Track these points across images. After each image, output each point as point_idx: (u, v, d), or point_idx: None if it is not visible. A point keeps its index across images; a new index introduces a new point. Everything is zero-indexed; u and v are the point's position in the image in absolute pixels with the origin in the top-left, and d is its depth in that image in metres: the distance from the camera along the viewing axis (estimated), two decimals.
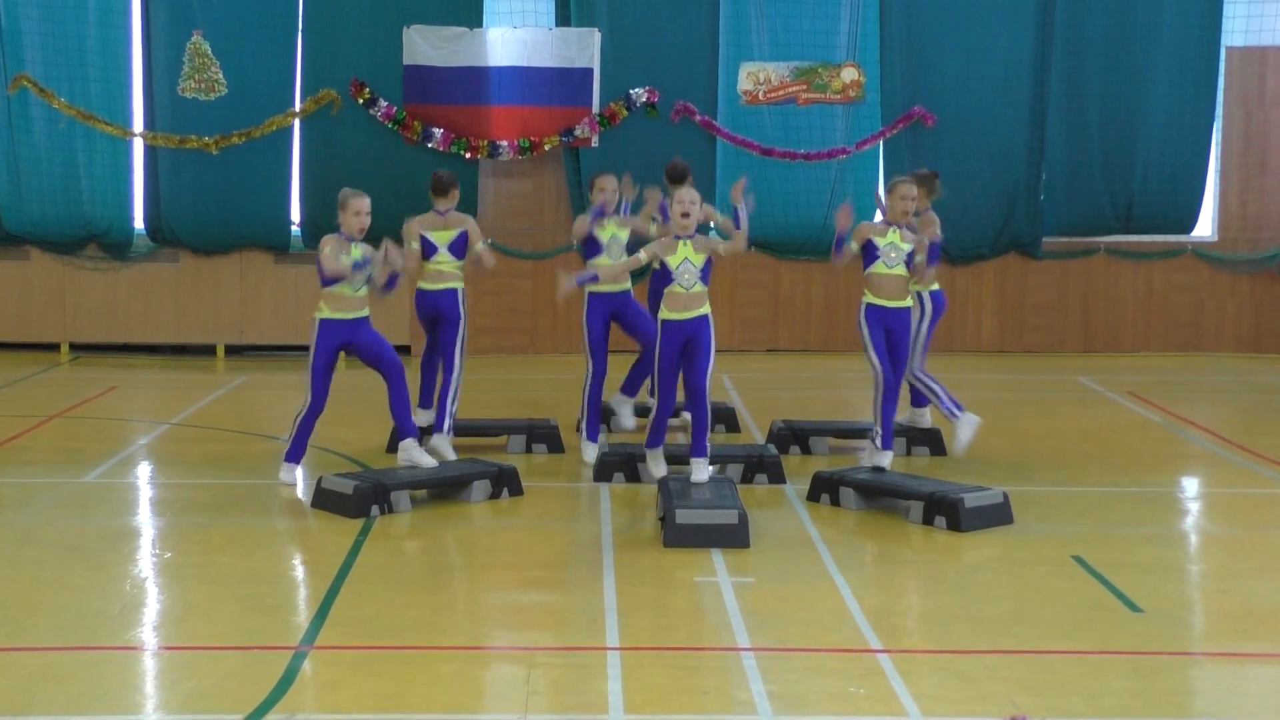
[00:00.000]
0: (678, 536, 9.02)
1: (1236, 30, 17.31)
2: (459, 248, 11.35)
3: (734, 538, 9.02)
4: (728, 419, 12.57)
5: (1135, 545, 9.23)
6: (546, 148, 16.86)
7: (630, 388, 12.29)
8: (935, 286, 11.74)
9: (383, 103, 16.73)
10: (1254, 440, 12.48)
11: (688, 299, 9.83)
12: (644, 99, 16.91)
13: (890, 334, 10.41)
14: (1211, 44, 17.20)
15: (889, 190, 10.52)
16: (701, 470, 9.84)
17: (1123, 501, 10.53)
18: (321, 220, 16.83)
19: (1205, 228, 17.64)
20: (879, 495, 10.05)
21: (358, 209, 10.28)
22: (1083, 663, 7.11)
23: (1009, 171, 17.22)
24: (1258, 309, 17.57)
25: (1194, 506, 10.86)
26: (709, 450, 9.96)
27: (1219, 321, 17.61)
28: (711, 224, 12.33)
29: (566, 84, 16.77)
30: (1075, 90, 17.16)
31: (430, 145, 16.63)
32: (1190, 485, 11.46)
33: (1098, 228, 17.46)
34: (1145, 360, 17.24)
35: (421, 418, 11.47)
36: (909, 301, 10.53)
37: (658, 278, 10.66)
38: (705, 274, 9.91)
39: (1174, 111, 17.21)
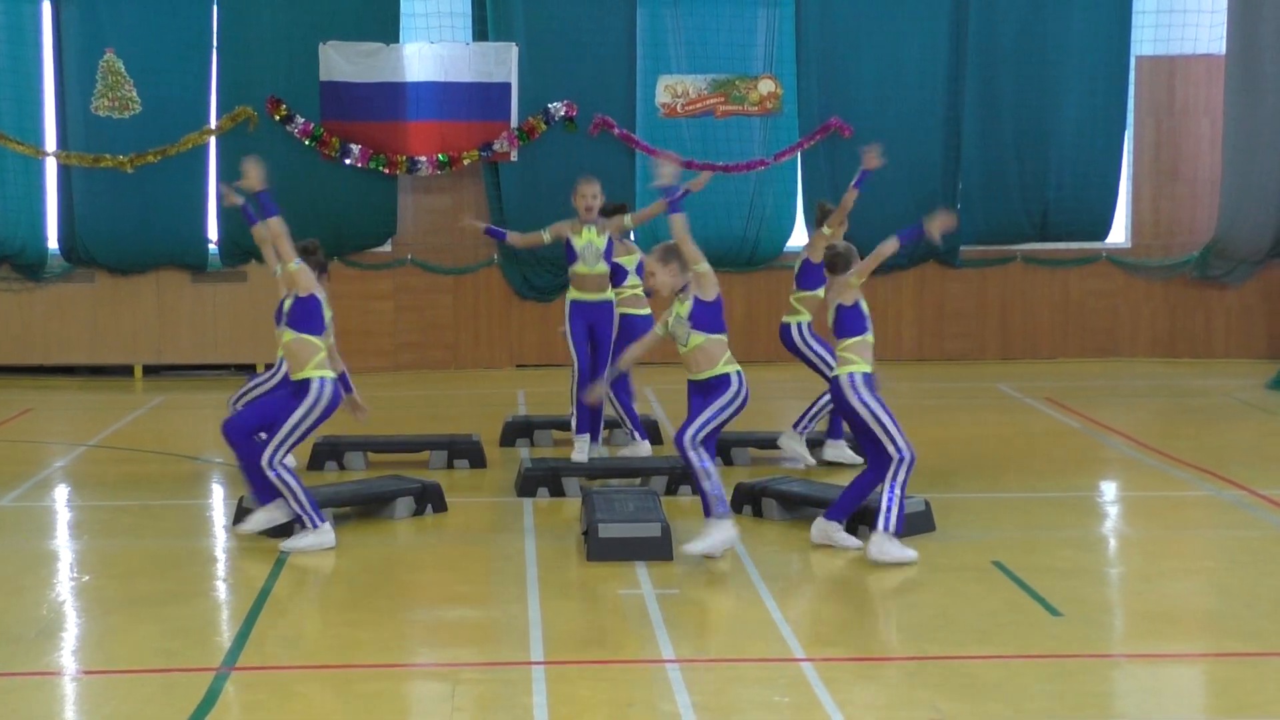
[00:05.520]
0: (601, 550, 9.02)
1: (1146, 40, 17.54)
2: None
3: (657, 550, 9.03)
4: (650, 431, 12.57)
5: (1054, 549, 9.33)
6: (465, 162, 16.81)
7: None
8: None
9: (300, 119, 16.63)
10: (1169, 444, 12.63)
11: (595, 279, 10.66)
12: (562, 113, 16.91)
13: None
14: (1121, 54, 17.42)
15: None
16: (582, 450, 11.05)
17: (1042, 507, 10.64)
18: (239, 237, 16.70)
19: (1119, 235, 17.86)
20: (801, 506, 10.08)
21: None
22: (1004, 667, 7.18)
23: (925, 181, 17.35)
24: (1171, 314, 17.80)
25: (1112, 510, 10.99)
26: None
27: (1134, 327, 17.82)
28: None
29: (484, 98, 16.74)
30: (989, 101, 17.34)
31: (348, 161, 16.55)
32: (1108, 489, 11.59)
33: (1014, 236, 17.64)
34: (1063, 366, 17.42)
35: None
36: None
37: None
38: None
39: (1086, 121, 17.42)
